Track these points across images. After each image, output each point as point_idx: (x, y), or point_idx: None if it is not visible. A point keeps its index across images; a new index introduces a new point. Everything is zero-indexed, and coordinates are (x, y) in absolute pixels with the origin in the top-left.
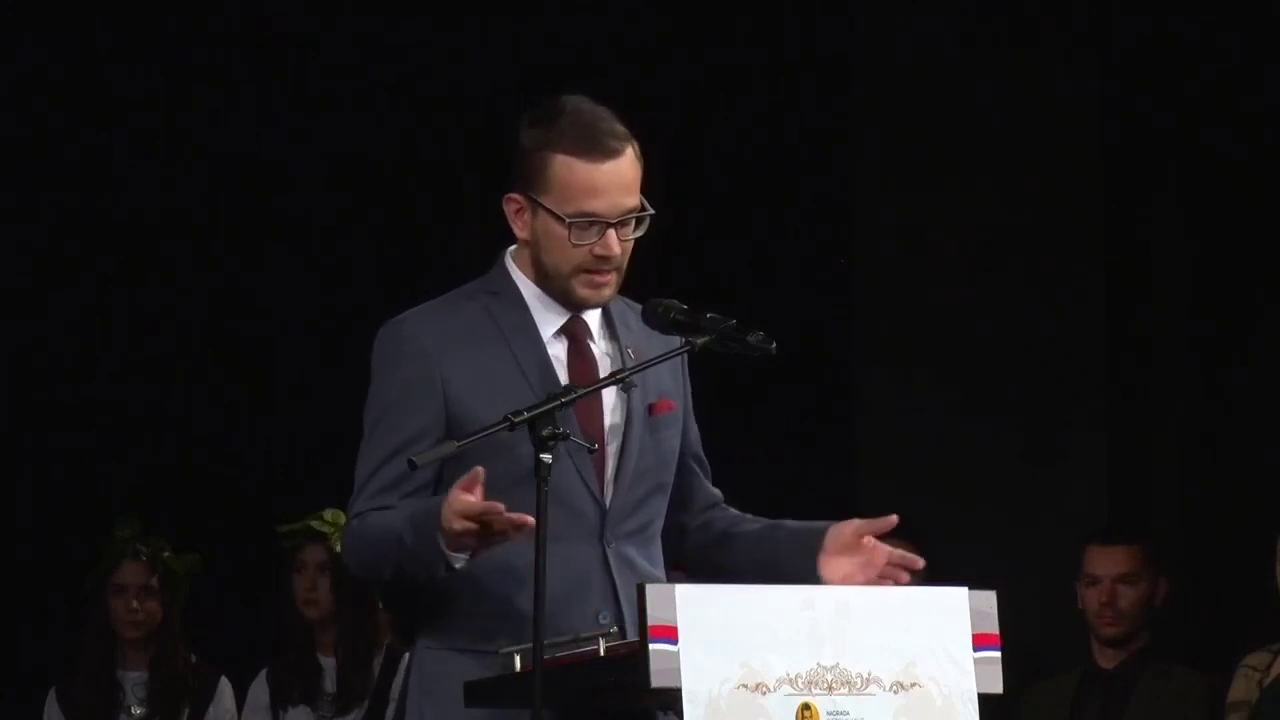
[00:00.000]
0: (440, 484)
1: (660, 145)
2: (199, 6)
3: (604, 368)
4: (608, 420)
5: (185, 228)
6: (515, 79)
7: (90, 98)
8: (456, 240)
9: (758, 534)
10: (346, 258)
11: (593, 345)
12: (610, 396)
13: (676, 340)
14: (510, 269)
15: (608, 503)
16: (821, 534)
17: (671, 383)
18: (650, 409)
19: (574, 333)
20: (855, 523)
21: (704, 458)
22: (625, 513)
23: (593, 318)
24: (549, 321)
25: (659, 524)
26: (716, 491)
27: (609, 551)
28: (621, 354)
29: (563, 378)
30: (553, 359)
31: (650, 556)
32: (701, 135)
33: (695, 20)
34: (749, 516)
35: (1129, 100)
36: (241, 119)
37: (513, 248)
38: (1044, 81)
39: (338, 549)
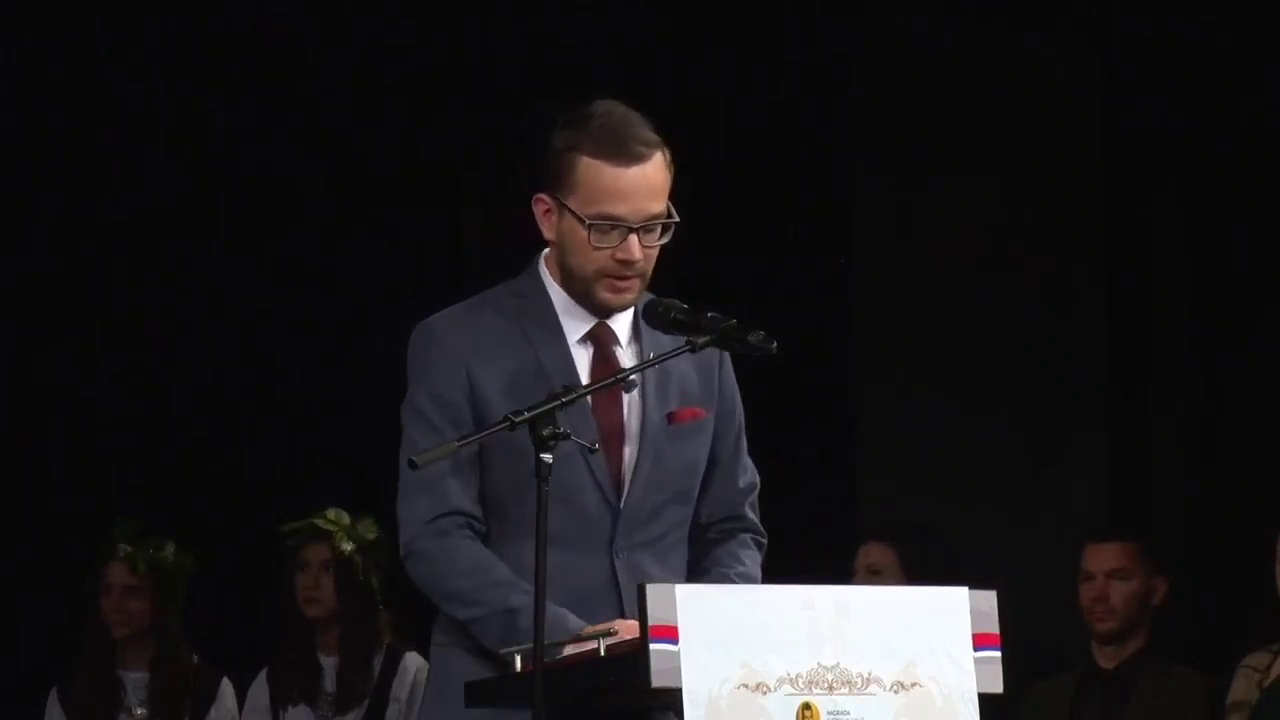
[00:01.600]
0: (481, 474)
1: None
2: (199, 6)
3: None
4: (627, 423)
5: (185, 227)
6: (515, 81)
7: (90, 98)
8: (457, 241)
9: None
10: (347, 258)
11: (618, 351)
12: (632, 399)
13: (710, 350)
14: (542, 272)
15: (621, 508)
16: None
17: (702, 390)
18: (670, 416)
19: (599, 338)
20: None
21: (728, 470)
22: (640, 520)
23: (621, 325)
24: (575, 326)
25: (679, 533)
26: (716, 509)
27: (618, 562)
28: (643, 360)
29: (584, 383)
30: (576, 364)
31: (667, 565)
32: (701, 135)
33: (695, 20)
34: (709, 556)
35: (1129, 100)
36: (241, 119)
37: (546, 251)
38: (1044, 81)
39: (342, 548)
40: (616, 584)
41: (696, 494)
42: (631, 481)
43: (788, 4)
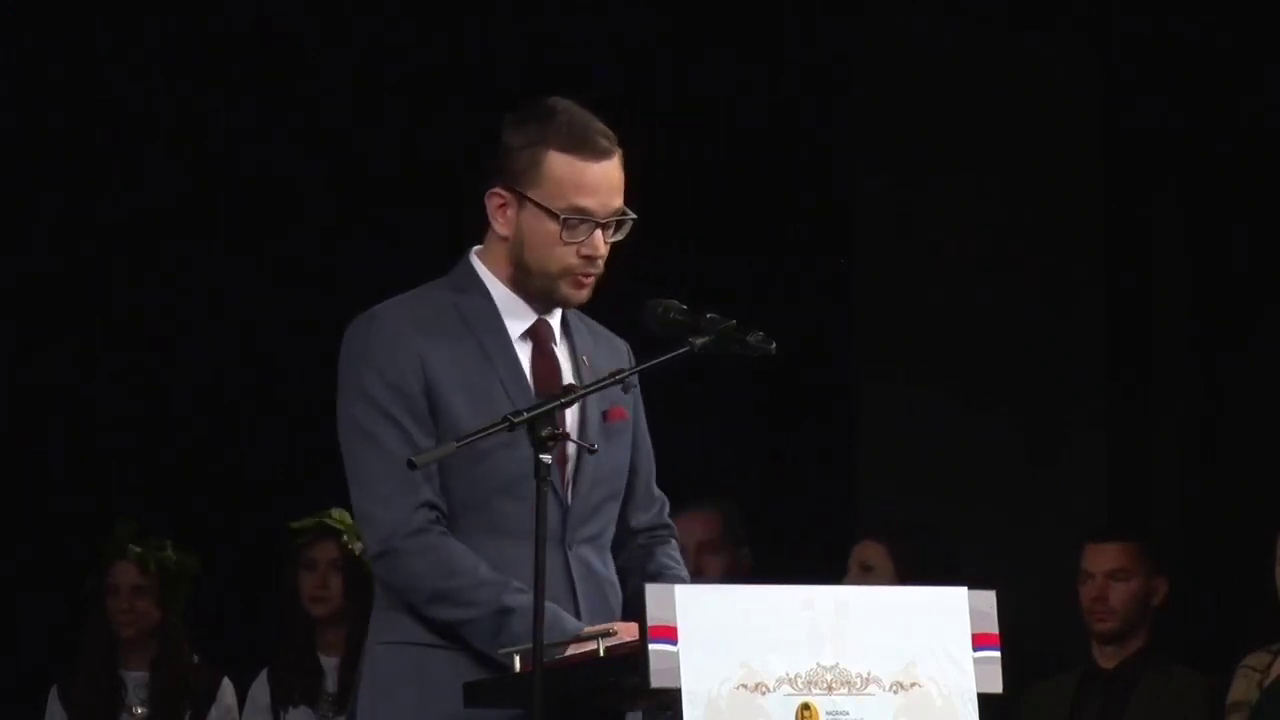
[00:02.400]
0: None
1: (660, 145)
2: (199, 6)
3: (565, 370)
4: (567, 424)
5: (185, 227)
6: (515, 81)
7: (90, 98)
8: (457, 241)
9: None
10: (347, 258)
11: (555, 348)
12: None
13: (622, 349)
14: (477, 268)
15: (570, 502)
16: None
17: (620, 392)
18: (604, 415)
19: (539, 334)
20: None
21: (646, 477)
22: (584, 517)
23: (554, 320)
24: (516, 322)
25: (610, 531)
26: (645, 519)
27: (570, 555)
28: (576, 358)
29: (528, 378)
30: (520, 359)
31: (605, 562)
32: (701, 135)
33: (695, 20)
34: (650, 565)
35: (1129, 100)
36: (241, 119)
37: (478, 247)
38: (1044, 81)
39: (351, 547)
40: (570, 577)
41: (623, 495)
42: (576, 479)
43: (788, 4)
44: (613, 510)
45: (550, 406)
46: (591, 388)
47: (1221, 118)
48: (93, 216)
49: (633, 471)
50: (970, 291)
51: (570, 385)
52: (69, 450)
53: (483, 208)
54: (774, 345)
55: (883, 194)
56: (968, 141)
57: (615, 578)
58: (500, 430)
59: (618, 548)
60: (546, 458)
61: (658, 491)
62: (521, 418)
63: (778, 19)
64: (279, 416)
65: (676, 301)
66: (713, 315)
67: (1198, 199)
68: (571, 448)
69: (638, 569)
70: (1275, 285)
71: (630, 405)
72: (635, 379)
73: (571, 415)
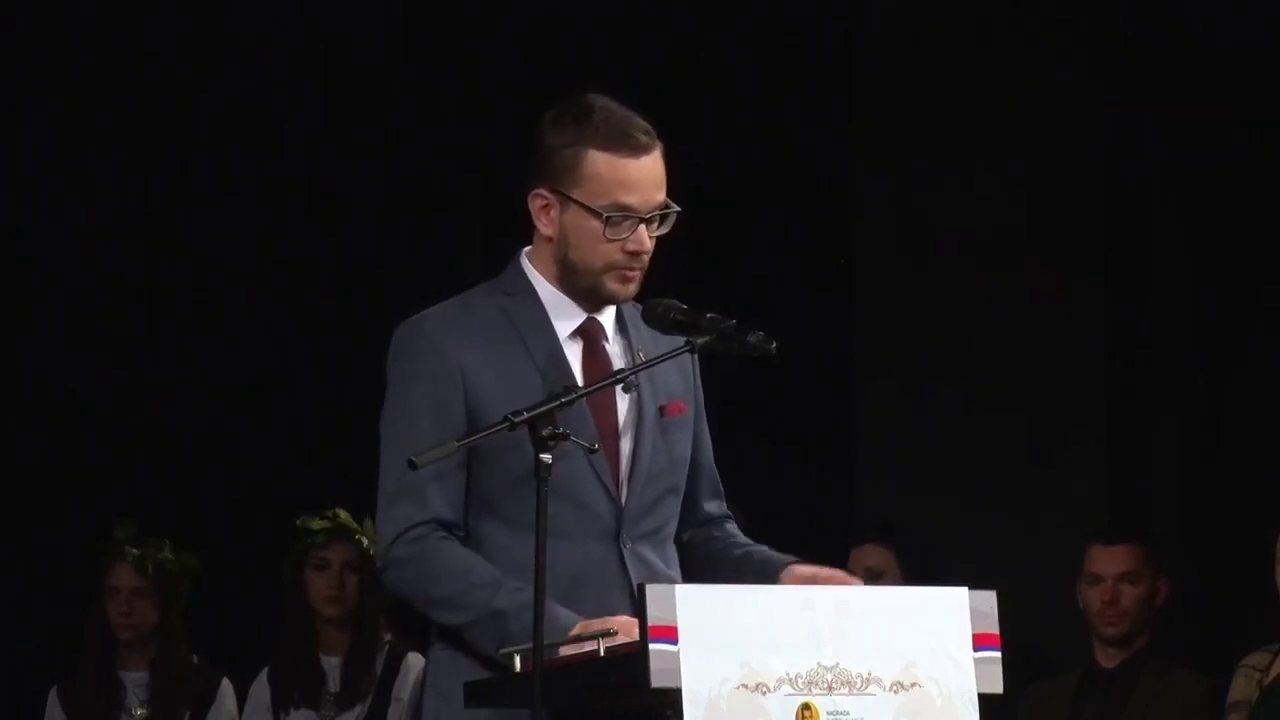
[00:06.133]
0: (469, 476)
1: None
2: (205, 9)
3: (617, 368)
4: (621, 420)
5: (184, 228)
6: (513, 80)
7: (90, 96)
8: (460, 242)
9: (732, 564)
10: (350, 258)
11: (607, 345)
12: (623, 396)
13: (681, 341)
14: (526, 269)
15: (623, 502)
16: (779, 570)
17: (681, 386)
18: (661, 410)
19: (589, 333)
20: (809, 569)
21: (711, 468)
22: (641, 513)
23: (606, 319)
24: (565, 322)
25: (673, 526)
26: (715, 508)
27: (625, 552)
28: (633, 355)
29: (578, 378)
30: (568, 359)
31: (666, 558)
32: (701, 133)
33: (694, 19)
34: (735, 539)
35: (1129, 101)
36: (245, 119)
37: (528, 248)
38: (1045, 82)
39: (367, 548)
40: (627, 575)
41: (684, 488)
42: (631, 476)
43: (788, 3)
44: (673, 505)
45: (549, 406)
46: (590, 389)
47: (1223, 118)
48: (93, 217)
49: (697, 464)
50: (970, 291)
51: (571, 385)
52: (68, 450)
53: (525, 209)
54: (774, 345)
55: (883, 194)
56: (968, 141)
57: (676, 572)
58: (501, 429)
59: (687, 529)
60: (547, 457)
61: (718, 484)
62: (521, 417)
63: (778, 16)
64: (279, 417)
65: (676, 301)
66: (713, 315)
67: (1198, 198)
68: (625, 447)
69: (725, 553)
70: (1275, 286)
71: (689, 399)
72: (698, 382)
73: (626, 411)
